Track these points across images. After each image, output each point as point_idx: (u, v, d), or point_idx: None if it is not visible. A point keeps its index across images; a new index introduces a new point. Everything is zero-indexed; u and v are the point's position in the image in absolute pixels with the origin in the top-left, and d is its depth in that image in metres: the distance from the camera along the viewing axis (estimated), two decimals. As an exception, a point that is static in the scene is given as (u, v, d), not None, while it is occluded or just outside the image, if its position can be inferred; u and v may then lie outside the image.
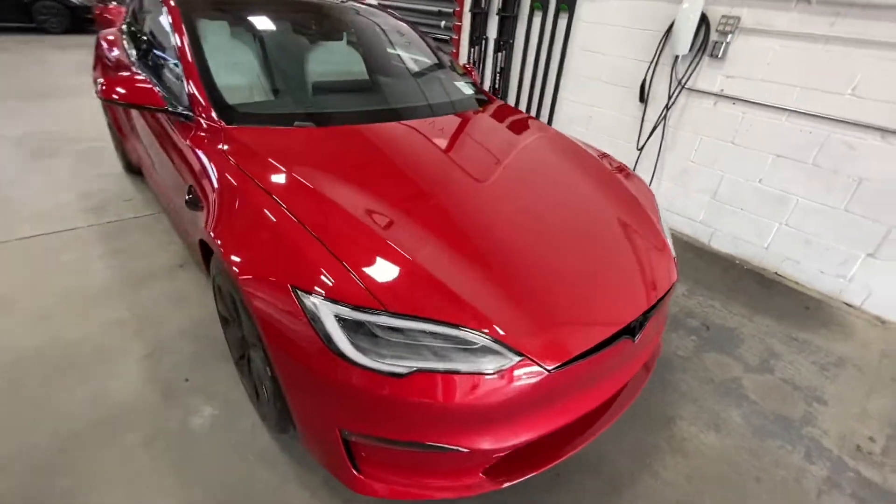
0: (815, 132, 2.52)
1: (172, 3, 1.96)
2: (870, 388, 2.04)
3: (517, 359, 1.10)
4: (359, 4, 2.56)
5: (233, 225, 1.29)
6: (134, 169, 3.25)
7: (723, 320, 2.38)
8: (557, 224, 1.48)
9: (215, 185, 1.44)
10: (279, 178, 1.38)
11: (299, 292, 1.09)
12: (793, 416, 1.84)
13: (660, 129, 3.15)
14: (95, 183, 3.19)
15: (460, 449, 1.14)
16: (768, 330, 2.34)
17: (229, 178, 1.41)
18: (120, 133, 3.00)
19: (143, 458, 1.45)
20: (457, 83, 2.35)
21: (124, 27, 2.86)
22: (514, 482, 1.25)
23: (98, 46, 3.19)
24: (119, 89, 1.69)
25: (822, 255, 2.66)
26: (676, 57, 2.92)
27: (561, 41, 3.60)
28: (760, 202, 2.83)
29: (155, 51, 2.23)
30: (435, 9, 4.55)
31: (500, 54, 4.09)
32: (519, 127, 2.15)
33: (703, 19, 2.75)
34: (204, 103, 1.67)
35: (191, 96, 1.71)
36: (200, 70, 1.75)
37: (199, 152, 1.58)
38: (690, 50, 2.84)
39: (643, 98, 3.20)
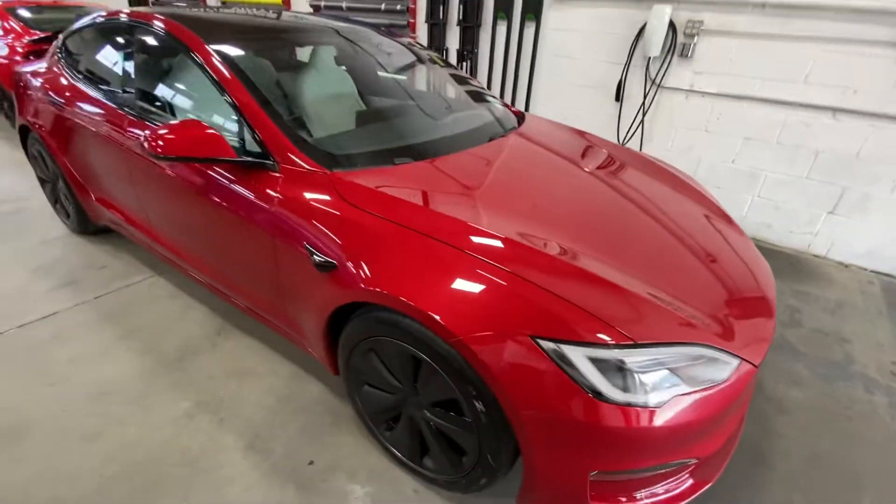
0: (776, 115, 2.97)
1: (211, 47, 1.69)
2: (869, 322, 2.47)
3: (736, 362, 1.17)
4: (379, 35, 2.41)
5: (420, 277, 1.17)
6: (92, 228, 2.73)
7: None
8: (683, 229, 1.58)
9: (359, 239, 1.29)
10: (445, 223, 1.28)
11: (540, 341, 1.04)
12: (837, 358, 2.17)
13: (638, 125, 3.46)
14: (45, 254, 2.62)
15: (693, 460, 1.18)
16: (780, 289, 2.71)
17: (380, 229, 1.27)
18: (76, 187, 2.50)
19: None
20: (495, 102, 2.35)
21: (65, 63, 2.39)
22: (713, 482, 1.32)
23: (23, 85, 2.63)
24: (171, 141, 1.42)
25: (791, 217, 3.14)
26: (649, 58, 3.23)
27: (530, 48, 3.75)
28: (735, 179, 3.25)
29: (170, 92, 1.91)
30: (386, 21, 4.45)
31: (464, 63, 4.13)
32: (582, 140, 2.23)
33: (671, 24, 3.07)
34: (291, 150, 1.48)
35: (266, 143, 1.50)
36: (272, 115, 1.54)
37: (305, 205, 1.39)
38: (661, 51, 3.15)
39: (619, 97, 3.48)
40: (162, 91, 1.93)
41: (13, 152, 4.26)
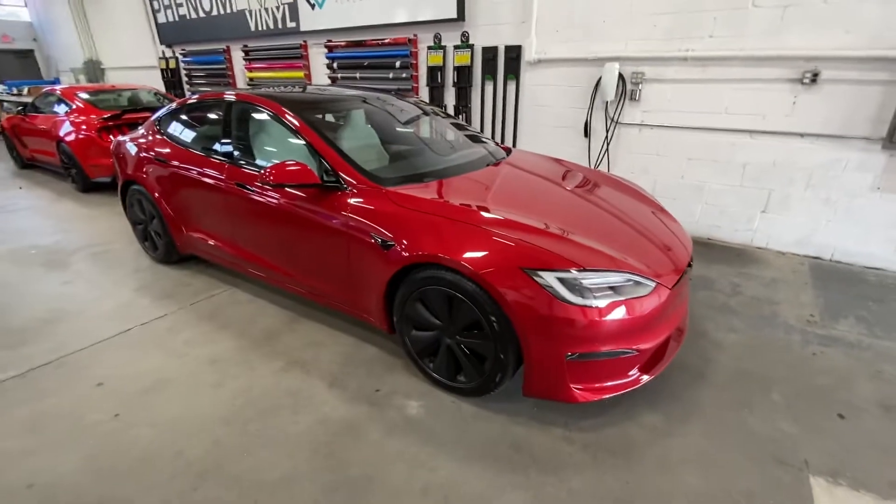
0: (709, 139, 3.77)
1: (294, 115, 2.50)
2: (796, 291, 3.13)
3: (653, 284, 1.84)
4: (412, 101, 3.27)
5: (451, 243, 1.87)
6: (175, 258, 3.44)
7: (695, 272, 3.38)
8: (629, 213, 2.29)
9: (403, 224, 2.00)
10: (462, 211, 2.00)
11: (527, 270, 1.73)
12: (766, 314, 2.81)
13: (604, 154, 4.27)
14: (140, 279, 3.31)
15: (633, 350, 1.82)
16: (726, 272, 3.39)
17: (421, 218, 1.99)
18: (170, 224, 3.23)
19: (396, 444, 1.85)
20: (489, 142, 3.15)
21: (164, 132, 3.21)
22: (658, 373, 1.94)
23: (123, 152, 3.46)
24: (279, 172, 2.17)
25: (734, 218, 3.87)
26: (606, 102, 4.09)
27: (513, 100, 4.65)
28: (685, 192, 4.01)
29: (260, 145, 2.73)
30: (394, 87, 5.40)
31: (461, 115, 5.03)
32: (556, 163, 2.99)
33: (620, 76, 3.95)
34: (356, 176, 2.23)
35: (338, 172, 2.25)
36: (340, 153, 2.31)
37: (370, 210, 2.12)
38: (615, 97, 4.02)
39: (587, 133, 4.32)
40: (256, 145, 2.72)
41: (86, 209, 5.05)
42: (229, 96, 2.85)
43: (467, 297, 1.86)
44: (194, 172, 2.91)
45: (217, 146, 2.85)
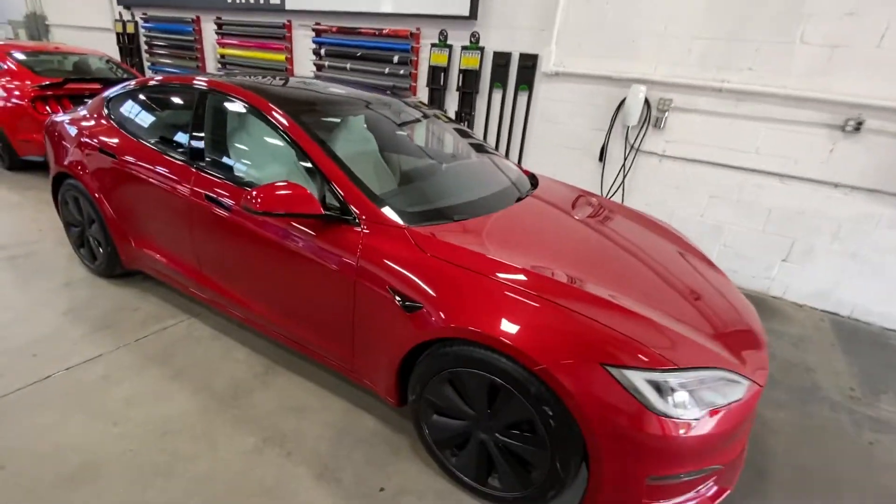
0: (735, 178, 3.52)
1: (289, 118, 1.96)
2: (826, 354, 2.90)
3: (747, 383, 1.47)
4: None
5: (505, 317, 1.42)
6: (119, 272, 2.80)
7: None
8: (693, 276, 1.92)
9: (438, 282, 1.53)
10: (514, 271, 1.55)
11: (609, 368, 1.31)
12: (806, 384, 2.55)
13: (619, 181, 3.95)
14: (72, 297, 2.65)
15: (719, 466, 1.45)
16: (749, 326, 3.13)
17: (460, 275, 1.52)
18: (114, 232, 2.59)
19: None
20: (513, 166, 2.70)
21: (115, 118, 2.57)
22: (733, 487, 1.58)
23: (59, 134, 2.78)
24: (269, 198, 1.65)
25: (752, 264, 3.64)
26: (628, 127, 3.76)
27: (522, 113, 4.24)
28: (703, 231, 3.75)
29: (244, 152, 2.16)
30: (389, 83, 4.87)
31: (462, 123, 4.57)
32: (588, 197, 2.56)
33: (646, 101, 3.63)
34: (371, 209, 1.74)
35: (348, 202, 1.75)
36: (353, 178, 1.80)
37: (389, 255, 1.63)
38: (638, 122, 3.69)
39: (601, 158, 3.98)
40: (236, 151, 2.15)
41: (8, 193, 4.21)
42: (203, 83, 2.25)
43: (519, 390, 1.42)
44: (150, 174, 2.31)
45: (182, 145, 2.26)
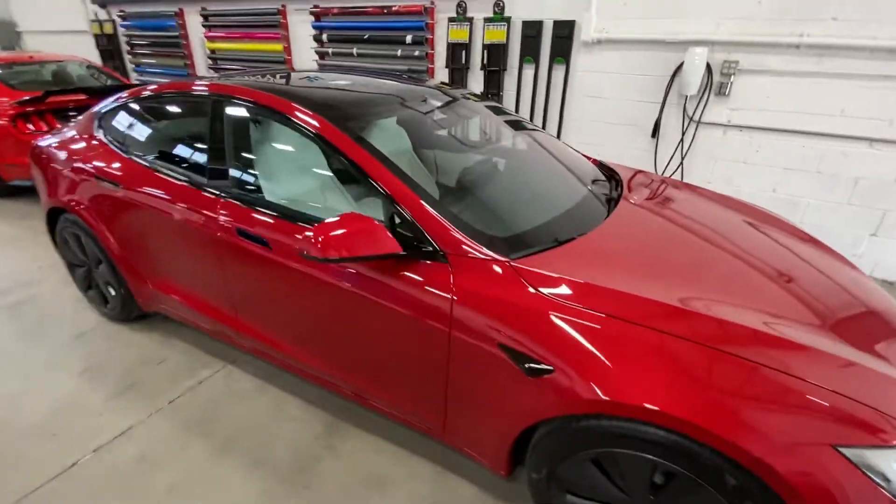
0: (815, 147, 3.11)
1: (337, 129, 1.55)
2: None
3: None
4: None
5: (686, 388, 1.05)
6: (135, 315, 2.44)
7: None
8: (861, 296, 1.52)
9: (574, 337, 1.16)
10: (660, 312, 1.18)
11: (843, 450, 0.96)
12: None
13: (677, 158, 3.54)
14: (86, 351, 2.30)
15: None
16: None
17: (607, 326, 1.15)
18: (127, 272, 2.22)
19: None
20: (586, 162, 2.28)
21: (113, 139, 2.16)
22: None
23: (47, 159, 2.37)
24: (337, 239, 1.27)
25: (836, 240, 3.24)
26: (686, 97, 3.33)
27: (560, 90, 3.80)
28: (776, 207, 3.35)
29: (284, 176, 1.75)
30: (404, 66, 4.40)
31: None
32: (721, 200, 2.10)
33: (707, 65, 3.18)
34: (460, 239, 1.35)
35: (428, 232, 1.37)
36: (430, 202, 1.41)
37: (496, 301, 1.26)
38: (698, 90, 3.26)
39: (655, 133, 3.56)
40: (269, 172, 1.75)
41: (1, 227, 3.81)
42: (215, 91, 1.82)
43: (709, 481, 1.06)
44: (163, 204, 1.91)
45: (199, 166, 1.85)
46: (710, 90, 3.26)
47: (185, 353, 2.29)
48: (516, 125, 2.34)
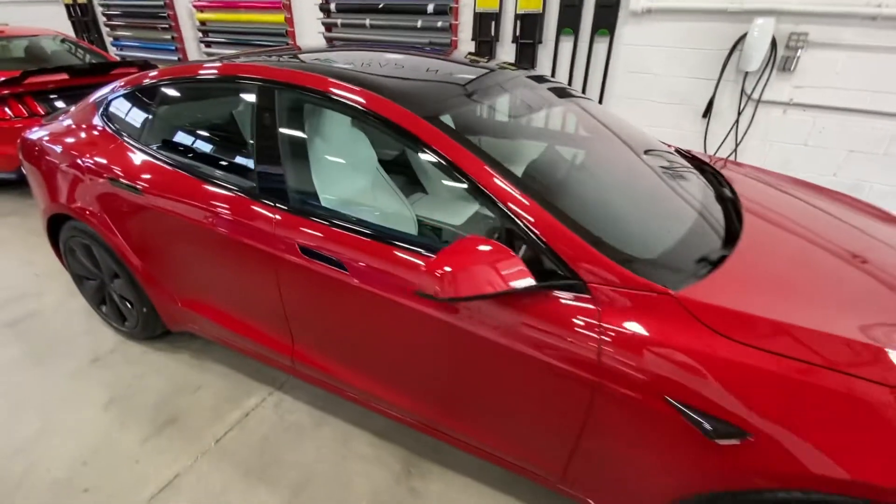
0: (885, 128, 2.89)
1: (436, 128, 1.25)
2: None
3: None
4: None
5: None
6: (159, 332, 2.15)
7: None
8: None
9: (775, 394, 0.93)
10: (869, 357, 0.96)
11: None
12: None
13: (731, 139, 3.29)
14: (108, 379, 2.01)
15: None
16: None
17: (802, 372, 0.92)
18: (149, 287, 1.91)
19: None
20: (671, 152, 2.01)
21: (128, 133, 1.81)
22: None
23: (45, 156, 2.02)
24: (462, 273, 1.01)
25: (897, 227, 3.10)
26: (745, 73, 3.06)
27: (601, 65, 3.48)
28: (835, 192, 3.17)
29: (363, 186, 1.45)
30: (425, 39, 4.00)
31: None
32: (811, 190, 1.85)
33: (772, 38, 2.91)
34: (607, 265, 1.10)
35: (565, 257, 1.11)
36: (564, 220, 1.14)
37: (660, 345, 1.02)
38: (760, 66, 2.99)
39: (706, 113, 3.30)
40: (348, 183, 1.45)
41: (-19, 226, 3.41)
42: (272, 77, 1.47)
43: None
44: (201, 214, 1.60)
45: (246, 169, 1.54)
46: (773, 65, 2.99)
47: (223, 378, 2.02)
48: (600, 113, 2.04)
